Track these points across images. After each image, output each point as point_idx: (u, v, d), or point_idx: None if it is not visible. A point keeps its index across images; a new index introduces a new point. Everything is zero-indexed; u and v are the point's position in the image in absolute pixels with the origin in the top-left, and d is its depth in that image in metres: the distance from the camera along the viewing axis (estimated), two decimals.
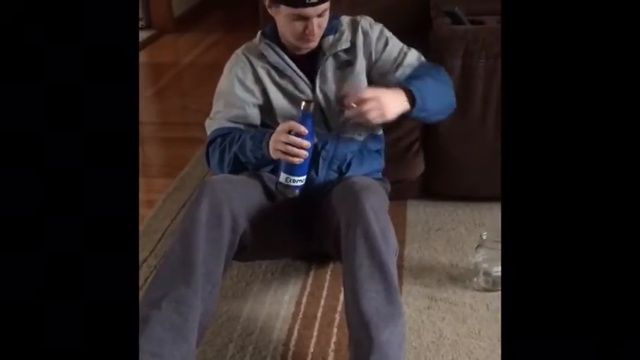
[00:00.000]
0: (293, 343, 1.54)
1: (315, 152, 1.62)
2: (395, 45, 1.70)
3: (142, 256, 1.87)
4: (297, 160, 1.46)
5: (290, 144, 1.45)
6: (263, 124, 1.68)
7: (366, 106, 1.47)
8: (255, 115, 1.67)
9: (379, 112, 1.49)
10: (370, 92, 1.52)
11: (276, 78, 1.66)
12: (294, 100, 1.63)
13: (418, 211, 2.09)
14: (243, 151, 1.57)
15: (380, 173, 1.77)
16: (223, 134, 1.63)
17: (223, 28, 4.62)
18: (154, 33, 4.45)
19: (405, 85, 1.56)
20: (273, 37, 1.67)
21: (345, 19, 1.70)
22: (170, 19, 4.54)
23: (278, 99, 1.65)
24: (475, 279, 1.70)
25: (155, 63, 4.08)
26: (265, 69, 1.66)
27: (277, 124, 1.58)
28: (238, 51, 1.72)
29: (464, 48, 1.91)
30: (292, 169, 1.49)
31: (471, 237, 1.94)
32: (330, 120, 1.67)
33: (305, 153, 1.47)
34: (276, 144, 1.47)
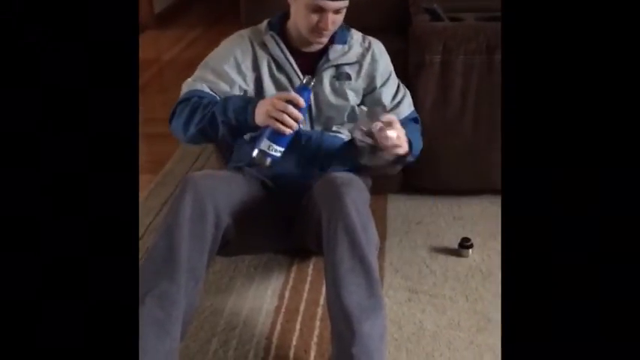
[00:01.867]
0: (276, 336, 1.56)
1: (297, 148, 1.64)
2: (394, 82, 1.74)
3: None
4: (288, 131, 1.46)
5: (287, 113, 1.44)
6: None
7: (398, 132, 1.49)
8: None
9: (400, 143, 1.50)
10: (395, 120, 1.52)
11: (274, 70, 1.67)
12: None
13: (398, 205, 2.12)
14: (224, 110, 1.55)
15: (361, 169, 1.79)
16: (202, 96, 1.63)
17: (204, 24, 4.62)
18: None
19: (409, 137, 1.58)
20: (279, 29, 1.68)
21: (356, 34, 1.73)
22: (151, 16, 4.53)
23: (270, 91, 1.66)
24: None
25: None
26: (265, 59, 1.67)
27: None
28: (243, 32, 1.72)
29: (442, 44, 1.94)
30: (278, 138, 1.47)
31: (450, 230, 1.97)
32: (314, 121, 1.69)
33: (296, 125, 1.46)
34: (271, 111, 1.45)
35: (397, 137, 1.49)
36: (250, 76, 1.67)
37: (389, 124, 1.48)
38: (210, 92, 1.64)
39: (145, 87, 3.53)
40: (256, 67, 1.67)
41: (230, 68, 1.65)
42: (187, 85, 1.68)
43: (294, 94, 1.47)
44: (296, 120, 1.45)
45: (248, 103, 1.54)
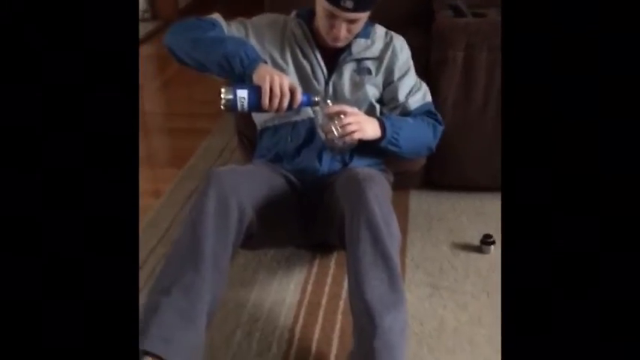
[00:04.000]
0: (298, 329, 1.58)
1: (319, 143, 1.67)
2: (411, 77, 1.76)
3: (150, 244, 1.92)
4: (266, 106, 1.48)
5: (283, 96, 1.48)
6: None
7: (348, 119, 1.54)
8: None
9: (357, 128, 1.56)
10: (352, 109, 1.58)
11: (300, 57, 1.70)
12: (306, 82, 1.68)
13: (420, 201, 2.12)
14: (224, 42, 1.56)
15: (383, 164, 1.80)
16: (215, 23, 1.66)
17: (228, 17, 4.63)
18: (159, 24, 4.47)
19: (383, 120, 1.64)
20: (307, 19, 1.71)
21: (380, 29, 1.75)
22: (175, 10, 4.57)
23: (292, 76, 1.68)
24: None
25: (161, 54, 4.09)
26: (292, 45, 1.70)
27: None
28: (282, 16, 1.76)
29: (466, 40, 1.94)
30: (254, 101, 1.49)
31: (472, 226, 1.97)
32: None
33: (274, 110, 1.49)
34: (274, 81, 1.47)
35: (353, 124, 1.54)
36: (275, 55, 1.70)
37: (336, 114, 1.54)
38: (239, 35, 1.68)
39: (169, 82, 3.57)
40: (279, 50, 1.70)
41: (253, 39, 1.70)
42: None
43: (300, 94, 1.51)
44: (278, 110, 1.49)
45: (257, 57, 1.55)
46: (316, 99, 1.57)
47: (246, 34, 1.71)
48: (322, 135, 1.63)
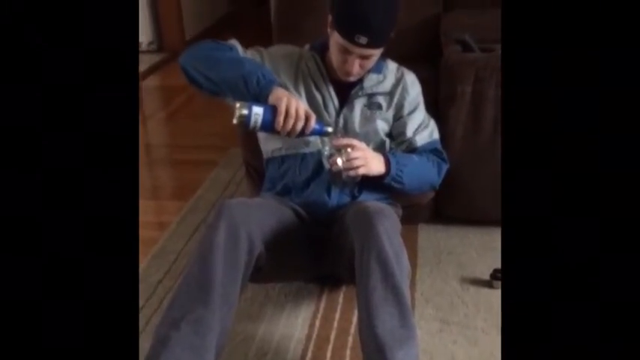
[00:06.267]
0: None
1: (328, 176, 1.67)
2: (420, 113, 1.76)
3: (157, 276, 1.90)
4: (279, 127, 1.47)
5: (298, 119, 1.48)
6: None
7: (355, 154, 1.55)
8: None
9: (363, 163, 1.56)
10: (360, 144, 1.59)
11: (312, 89, 1.70)
12: (317, 114, 1.67)
13: (429, 235, 2.11)
14: (242, 62, 1.58)
15: (391, 198, 1.80)
16: (232, 46, 1.68)
17: None
18: (165, 56, 4.51)
19: (389, 156, 1.64)
20: (320, 52, 1.72)
21: (392, 64, 1.77)
22: (182, 42, 4.61)
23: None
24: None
25: (167, 86, 4.13)
26: (306, 77, 1.71)
27: None
28: (298, 48, 1.77)
29: (474, 75, 1.94)
30: (267, 122, 1.48)
31: (482, 260, 1.96)
32: None
33: (287, 132, 1.48)
34: (291, 105, 1.47)
35: (359, 158, 1.55)
36: (288, 85, 1.69)
37: (344, 147, 1.55)
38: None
39: (175, 114, 3.58)
40: (292, 81, 1.70)
41: (270, 65, 1.70)
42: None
43: (314, 122, 1.51)
44: (290, 133, 1.49)
45: (274, 79, 1.55)
46: (329, 129, 1.57)
47: (262, 61, 1.71)
48: (327, 165, 1.64)
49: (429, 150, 1.75)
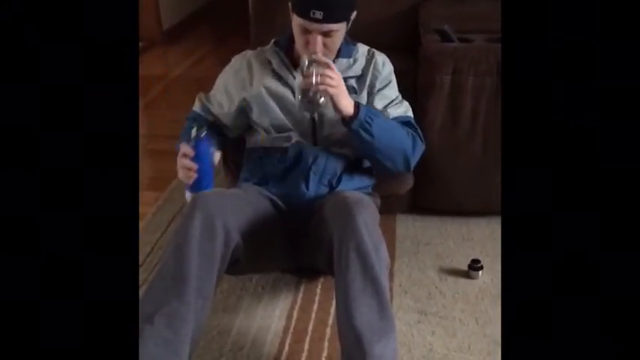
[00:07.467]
0: (284, 357, 1.54)
1: (306, 167, 1.64)
2: (392, 90, 1.74)
3: None
4: (188, 180, 1.57)
5: (182, 166, 1.56)
6: (249, 126, 1.79)
7: (331, 73, 1.52)
8: (225, 115, 1.78)
9: (335, 84, 1.53)
10: (339, 73, 1.57)
11: (279, 86, 1.69)
12: (287, 108, 1.67)
13: (407, 226, 2.10)
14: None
15: (370, 188, 1.79)
16: (194, 118, 1.80)
17: (213, 41, 4.63)
18: (142, 45, 4.45)
19: (358, 102, 1.61)
20: (286, 47, 1.71)
21: (362, 47, 1.75)
22: (159, 32, 4.54)
23: (273, 106, 1.69)
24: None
25: (144, 75, 4.06)
26: (269, 75, 1.70)
27: (268, 127, 1.70)
28: (246, 52, 1.78)
29: (453, 65, 1.94)
30: (191, 186, 1.58)
31: (459, 251, 1.96)
32: (317, 137, 1.70)
33: (192, 174, 1.56)
34: (178, 166, 1.58)
35: (330, 77, 1.51)
36: (237, 95, 1.73)
37: (323, 65, 1.53)
38: (201, 113, 1.80)
39: (152, 103, 3.54)
40: (248, 86, 1.71)
41: (219, 92, 1.78)
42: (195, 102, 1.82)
43: (185, 148, 1.55)
44: (189, 169, 1.54)
45: (178, 147, 1.62)
46: (193, 131, 1.58)
47: (205, 105, 1.80)
48: (298, 92, 1.59)
49: (403, 122, 1.71)
